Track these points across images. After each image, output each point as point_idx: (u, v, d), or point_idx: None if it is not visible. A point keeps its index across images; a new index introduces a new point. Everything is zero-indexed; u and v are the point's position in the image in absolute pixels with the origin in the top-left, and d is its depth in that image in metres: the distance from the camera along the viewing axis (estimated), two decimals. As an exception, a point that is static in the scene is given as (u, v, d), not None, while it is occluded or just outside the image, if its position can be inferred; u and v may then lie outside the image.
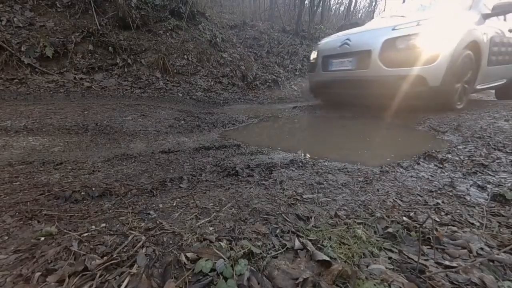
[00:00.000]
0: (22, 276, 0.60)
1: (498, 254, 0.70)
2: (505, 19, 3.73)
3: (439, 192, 1.10)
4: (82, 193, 1.04)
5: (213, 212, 0.91)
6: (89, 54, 4.20)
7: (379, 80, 2.85)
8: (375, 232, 0.81)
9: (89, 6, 4.42)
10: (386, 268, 0.64)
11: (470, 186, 1.16)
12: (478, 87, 3.28)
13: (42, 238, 0.74)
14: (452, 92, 2.83)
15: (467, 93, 3.07)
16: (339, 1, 13.96)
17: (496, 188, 1.11)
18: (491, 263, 0.67)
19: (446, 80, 2.63)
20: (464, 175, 1.28)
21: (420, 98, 2.77)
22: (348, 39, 3.23)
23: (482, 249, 0.73)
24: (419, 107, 2.91)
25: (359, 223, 0.84)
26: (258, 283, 0.59)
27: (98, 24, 4.36)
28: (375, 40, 2.89)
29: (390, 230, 0.80)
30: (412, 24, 2.71)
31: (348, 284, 0.59)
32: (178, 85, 4.67)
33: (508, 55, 3.66)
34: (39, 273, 0.61)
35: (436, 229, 0.80)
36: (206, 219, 0.86)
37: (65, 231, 0.78)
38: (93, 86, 3.89)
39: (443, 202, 1.01)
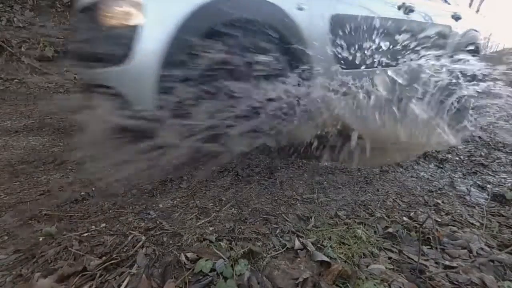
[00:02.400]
0: (22, 276, 0.60)
1: (498, 255, 0.70)
2: None
3: (439, 192, 1.10)
4: (82, 193, 1.04)
5: (213, 212, 0.91)
6: (89, 54, 4.20)
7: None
8: (375, 232, 0.81)
9: (89, 6, 4.42)
10: (386, 268, 0.64)
11: (470, 186, 1.16)
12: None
13: (42, 238, 0.74)
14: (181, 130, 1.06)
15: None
16: (339, 1, 13.97)
17: (496, 188, 1.11)
18: (491, 263, 0.67)
19: (166, 98, 1.03)
20: (464, 175, 1.28)
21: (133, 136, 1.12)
22: None
23: (482, 249, 0.73)
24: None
25: (359, 223, 0.84)
26: (258, 283, 0.59)
27: (98, 24, 4.36)
28: None
29: (390, 230, 0.80)
30: None
31: (348, 284, 0.59)
32: (178, 85, 4.67)
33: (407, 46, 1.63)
34: (39, 273, 0.61)
35: (436, 229, 0.80)
36: (206, 219, 0.86)
37: (65, 231, 0.78)
38: (93, 86, 3.89)
39: (443, 202, 1.01)
